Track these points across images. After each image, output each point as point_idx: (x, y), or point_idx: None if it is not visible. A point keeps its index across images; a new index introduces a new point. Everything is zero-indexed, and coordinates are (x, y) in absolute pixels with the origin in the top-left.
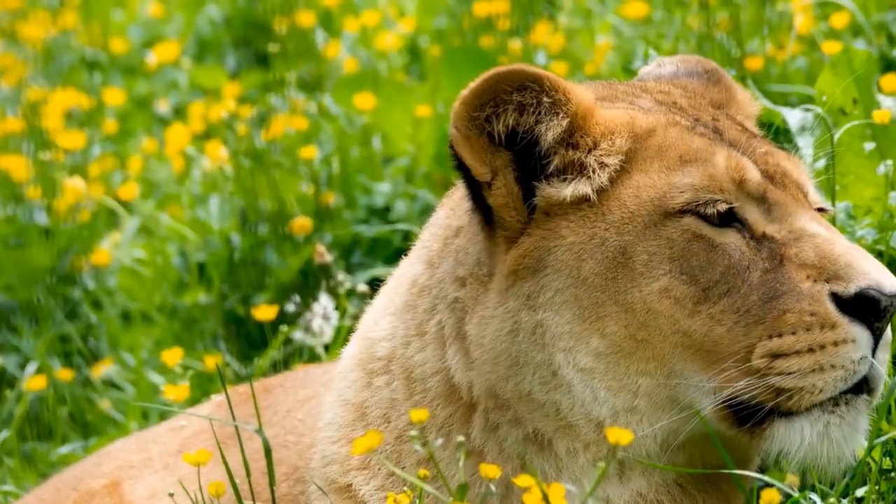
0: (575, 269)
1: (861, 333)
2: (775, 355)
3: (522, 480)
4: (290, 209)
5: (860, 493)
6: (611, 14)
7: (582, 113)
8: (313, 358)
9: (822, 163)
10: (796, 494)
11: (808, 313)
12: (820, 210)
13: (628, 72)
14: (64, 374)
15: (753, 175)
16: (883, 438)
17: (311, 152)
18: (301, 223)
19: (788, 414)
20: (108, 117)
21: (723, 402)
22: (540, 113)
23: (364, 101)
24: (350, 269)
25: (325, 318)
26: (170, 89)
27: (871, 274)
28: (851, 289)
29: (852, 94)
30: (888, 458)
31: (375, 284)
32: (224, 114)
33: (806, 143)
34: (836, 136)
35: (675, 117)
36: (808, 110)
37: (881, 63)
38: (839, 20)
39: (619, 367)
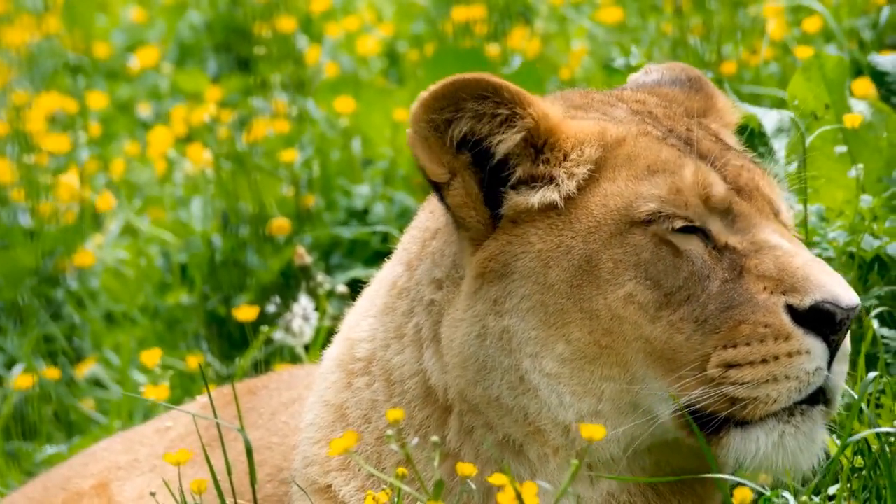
0: (541, 276)
1: (816, 345)
2: (729, 365)
3: (497, 479)
4: (270, 211)
5: (832, 490)
6: (586, 19)
7: (547, 127)
8: (294, 358)
9: (794, 166)
10: (769, 493)
11: (763, 324)
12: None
13: (609, 70)
14: (48, 373)
15: (718, 190)
16: (855, 437)
17: (291, 155)
18: (281, 225)
19: (744, 423)
20: (91, 121)
21: (680, 410)
22: (494, 125)
23: (344, 104)
24: (330, 271)
25: (305, 318)
26: (152, 93)
27: (827, 287)
28: (807, 301)
29: (824, 98)
30: (860, 457)
31: (355, 286)
32: (206, 117)
33: (780, 146)
34: (809, 141)
35: (647, 127)
36: (781, 113)
37: (852, 68)
38: (811, 25)
39: (583, 373)
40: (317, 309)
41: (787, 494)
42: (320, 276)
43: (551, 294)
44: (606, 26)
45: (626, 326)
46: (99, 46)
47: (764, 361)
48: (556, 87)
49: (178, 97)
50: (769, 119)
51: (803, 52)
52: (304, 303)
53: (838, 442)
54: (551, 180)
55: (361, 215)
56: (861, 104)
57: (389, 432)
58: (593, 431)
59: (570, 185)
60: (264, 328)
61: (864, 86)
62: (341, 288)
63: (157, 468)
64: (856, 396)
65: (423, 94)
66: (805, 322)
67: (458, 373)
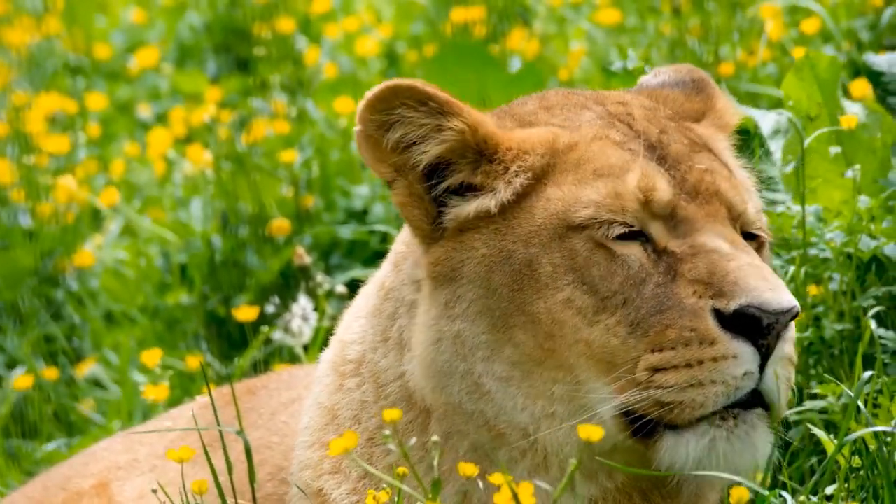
0: (486, 281)
1: (744, 350)
2: (656, 369)
3: (496, 478)
4: (270, 212)
5: (829, 490)
6: (584, 20)
7: (481, 138)
8: (293, 358)
9: (790, 167)
10: (766, 493)
11: (689, 329)
12: (754, 237)
13: (607, 71)
14: (48, 373)
15: (662, 195)
16: (852, 436)
17: (291, 156)
18: (281, 225)
19: (676, 427)
20: (91, 121)
21: (619, 412)
22: (421, 133)
23: (343, 105)
24: (329, 271)
25: (305, 318)
26: (152, 94)
27: (755, 291)
28: (732, 306)
29: (816, 98)
30: (857, 457)
31: (354, 286)
32: (205, 118)
33: (777, 146)
34: (807, 143)
35: (608, 131)
36: (780, 114)
37: (850, 69)
38: (809, 26)
39: (533, 375)
40: (316, 309)
41: (785, 494)
42: (319, 277)
43: (496, 298)
44: (605, 27)
45: (567, 330)
46: (99, 47)
47: (688, 366)
48: (555, 87)
49: (178, 98)
50: (766, 120)
51: (800, 53)
52: (303, 303)
53: (836, 442)
54: (492, 189)
55: (361, 215)
56: (855, 105)
57: (386, 432)
58: (591, 433)
59: (506, 194)
60: (264, 328)
61: (862, 87)
62: (340, 288)
63: (157, 468)
64: (851, 395)
65: (368, 94)
66: (732, 327)
67: (425, 380)
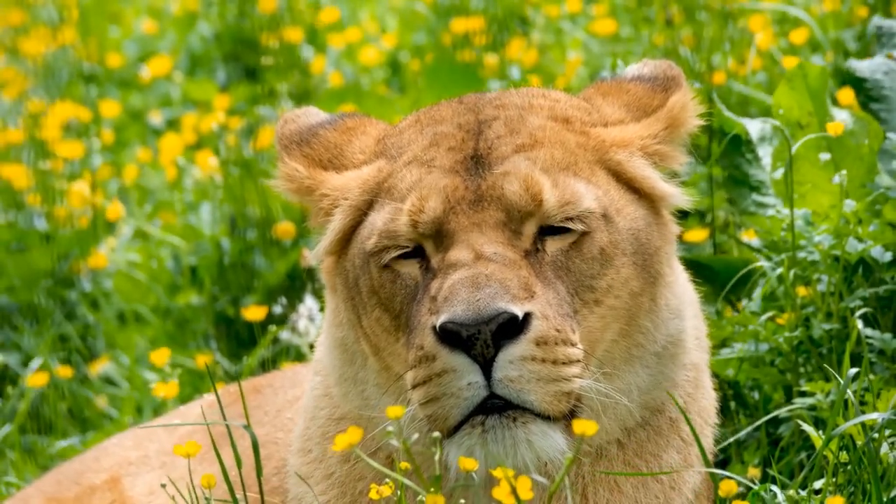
0: (344, 294)
1: (460, 362)
2: (413, 386)
3: (499, 472)
4: (276, 215)
5: (818, 485)
6: (581, 31)
7: (304, 186)
8: (299, 357)
9: (779, 173)
10: (756, 487)
11: (419, 347)
12: (563, 228)
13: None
14: (63, 371)
15: (426, 216)
16: (839, 430)
17: None
18: (287, 229)
19: (444, 437)
20: (104, 128)
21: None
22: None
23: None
24: None
25: (311, 318)
26: (163, 102)
27: (453, 306)
28: (438, 322)
29: (807, 107)
30: (845, 453)
31: None
32: (214, 125)
33: (766, 153)
34: (794, 149)
35: (426, 153)
36: (766, 122)
37: (838, 77)
38: (798, 36)
39: (390, 382)
40: (321, 309)
41: (775, 488)
42: None
43: (351, 312)
44: (601, 38)
45: (383, 344)
46: (112, 56)
47: (424, 382)
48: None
49: (188, 105)
50: (754, 127)
51: (790, 63)
52: (309, 303)
53: (824, 437)
54: (325, 231)
55: None
56: (843, 112)
57: (390, 428)
58: (585, 427)
59: (331, 236)
60: (271, 328)
61: (849, 95)
62: None
63: (167, 464)
64: (841, 386)
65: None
66: (447, 341)
67: (335, 389)
